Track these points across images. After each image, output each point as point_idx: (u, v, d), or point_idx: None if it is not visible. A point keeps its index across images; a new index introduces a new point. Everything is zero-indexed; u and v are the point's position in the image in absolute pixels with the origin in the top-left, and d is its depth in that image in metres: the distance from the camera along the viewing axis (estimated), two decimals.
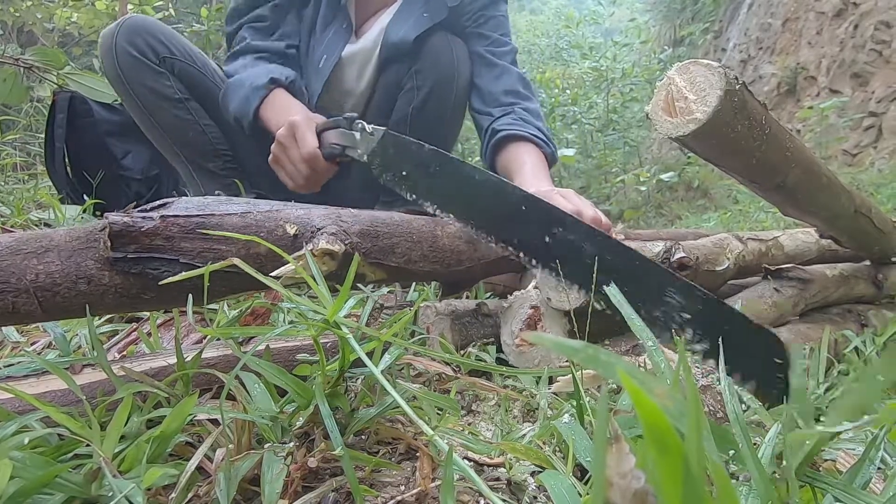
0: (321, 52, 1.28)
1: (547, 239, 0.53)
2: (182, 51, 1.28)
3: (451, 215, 0.60)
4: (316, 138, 0.95)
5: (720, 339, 0.41)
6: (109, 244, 0.43)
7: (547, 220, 0.54)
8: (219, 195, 0.46)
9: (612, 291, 0.34)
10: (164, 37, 1.26)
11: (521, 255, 0.56)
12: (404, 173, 0.66)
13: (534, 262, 0.55)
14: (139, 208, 0.46)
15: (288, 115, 1.01)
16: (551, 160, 1.21)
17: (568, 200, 0.88)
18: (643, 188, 5.05)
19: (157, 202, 0.46)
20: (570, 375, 0.44)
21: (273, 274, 0.45)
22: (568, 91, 6.31)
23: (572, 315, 0.59)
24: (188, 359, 0.45)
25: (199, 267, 0.43)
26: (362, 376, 0.46)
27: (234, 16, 1.33)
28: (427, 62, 1.26)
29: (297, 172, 0.99)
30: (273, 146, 1.03)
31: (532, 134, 1.20)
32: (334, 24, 1.28)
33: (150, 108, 1.28)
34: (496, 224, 0.57)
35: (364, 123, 0.78)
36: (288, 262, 0.45)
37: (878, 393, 0.27)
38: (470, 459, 0.41)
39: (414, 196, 0.64)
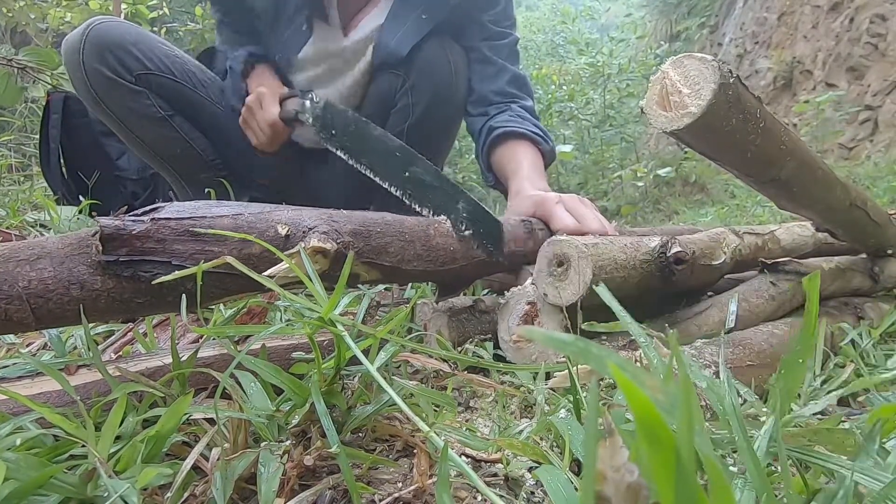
0: (278, 49, 1.26)
1: (406, 174, 0.74)
2: (157, 61, 1.22)
3: (361, 164, 0.80)
4: (278, 106, 1.13)
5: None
6: (101, 248, 0.42)
7: (406, 159, 0.74)
8: (208, 193, 0.47)
9: (601, 291, 0.34)
10: (137, 48, 1.18)
11: (389, 186, 0.75)
12: (334, 132, 0.87)
13: (395, 189, 0.75)
14: (131, 212, 0.45)
15: (258, 85, 1.19)
16: (550, 157, 1.18)
17: (572, 211, 0.84)
18: (640, 184, 5.05)
19: (149, 207, 0.46)
20: (567, 371, 0.44)
21: (267, 273, 0.44)
22: (564, 87, 6.30)
23: (565, 312, 0.59)
24: (184, 358, 0.45)
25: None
26: (359, 374, 0.46)
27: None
28: (422, 77, 1.21)
29: (261, 132, 1.17)
30: (243, 110, 1.19)
31: (530, 131, 1.15)
32: (294, 22, 1.24)
33: (131, 127, 1.23)
34: (383, 167, 0.78)
35: (314, 94, 0.97)
36: (281, 263, 0.45)
37: (801, 377, 0.28)
38: (467, 456, 0.41)
39: (339, 151, 0.84)
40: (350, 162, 0.82)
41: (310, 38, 1.23)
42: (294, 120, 1.09)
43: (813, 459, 0.32)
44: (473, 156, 1.37)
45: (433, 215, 0.70)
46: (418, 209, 0.73)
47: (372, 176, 0.78)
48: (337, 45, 1.25)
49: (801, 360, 0.30)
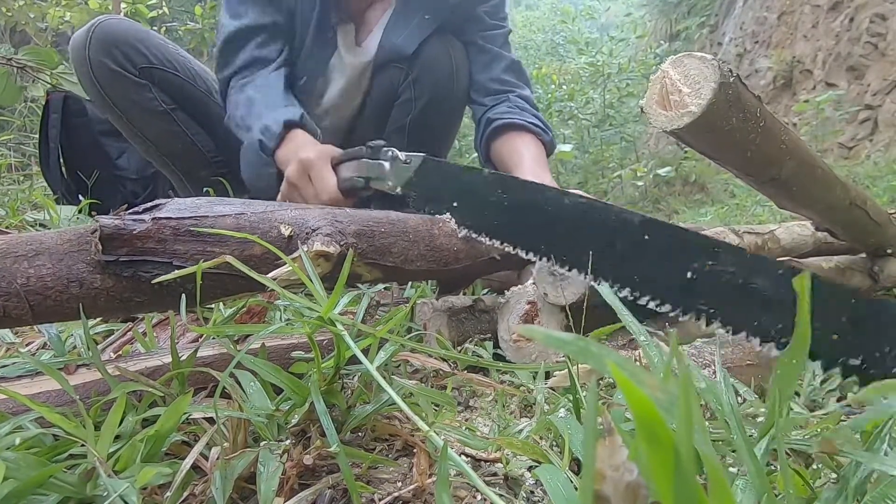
0: (301, 72, 1.20)
1: (681, 275, 0.43)
2: (161, 57, 1.22)
3: (523, 249, 0.54)
4: (334, 175, 0.88)
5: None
6: (101, 247, 0.42)
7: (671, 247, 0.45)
8: (207, 193, 0.46)
9: (604, 289, 0.34)
10: (142, 44, 1.19)
11: (643, 296, 0.47)
12: (455, 205, 0.60)
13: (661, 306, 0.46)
14: (131, 210, 0.45)
15: (298, 152, 0.93)
16: (550, 148, 1.18)
17: None
18: (640, 183, 5.05)
19: (149, 204, 0.46)
20: (566, 370, 0.44)
21: (270, 276, 0.44)
22: (564, 87, 6.29)
23: (568, 310, 0.59)
24: (183, 358, 0.45)
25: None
26: (358, 373, 0.46)
27: (221, 63, 1.15)
28: (424, 71, 1.21)
29: None
30: (283, 187, 0.96)
31: (530, 122, 1.15)
32: (317, 43, 1.19)
33: (134, 121, 1.23)
34: (585, 255, 0.49)
35: (395, 151, 0.72)
36: (283, 264, 0.45)
37: (795, 377, 0.29)
38: (467, 455, 0.41)
39: (469, 230, 0.60)
40: (508, 249, 0.56)
41: (336, 49, 1.20)
42: (363, 190, 0.81)
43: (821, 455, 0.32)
44: (475, 155, 1.36)
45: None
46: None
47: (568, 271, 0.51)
48: (355, 58, 1.23)
49: (794, 361, 0.30)
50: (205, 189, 1.23)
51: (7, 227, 1.24)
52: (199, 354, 0.46)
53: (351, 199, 0.88)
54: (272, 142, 0.98)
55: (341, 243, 0.51)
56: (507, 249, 0.56)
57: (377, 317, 0.78)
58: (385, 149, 0.74)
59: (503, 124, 1.16)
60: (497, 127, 1.17)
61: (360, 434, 0.44)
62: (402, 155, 0.70)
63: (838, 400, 0.58)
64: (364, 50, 1.24)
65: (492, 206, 0.57)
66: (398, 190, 0.71)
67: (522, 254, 0.54)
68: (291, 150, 0.96)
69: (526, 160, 1.09)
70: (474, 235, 0.59)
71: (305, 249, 0.48)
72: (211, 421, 0.41)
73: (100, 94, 1.20)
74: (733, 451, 0.35)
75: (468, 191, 0.60)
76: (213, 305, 0.66)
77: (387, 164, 0.73)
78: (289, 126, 0.99)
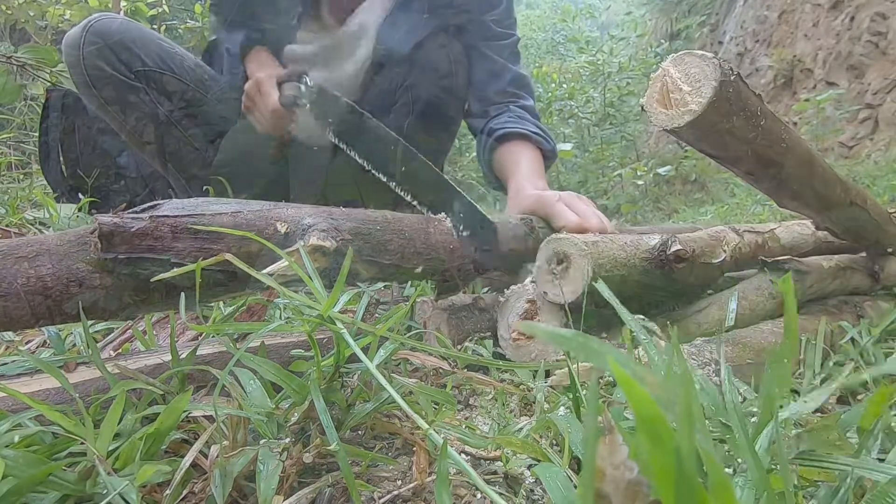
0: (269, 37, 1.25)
1: (403, 168, 0.76)
2: (156, 57, 1.22)
3: (358, 154, 0.83)
4: (276, 92, 1.10)
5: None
6: (100, 245, 0.42)
7: (405, 154, 0.77)
8: (206, 191, 0.47)
9: (602, 287, 0.34)
10: (136, 45, 1.19)
11: (386, 178, 0.78)
12: (329, 120, 0.89)
13: (387, 179, 0.78)
14: (130, 209, 0.45)
15: (258, 70, 1.18)
16: (551, 156, 1.18)
17: (572, 208, 0.84)
18: (640, 182, 5.05)
19: (147, 204, 0.46)
20: (566, 368, 0.44)
21: (266, 271, 0.44)
22: (564, 85, 6.29)
23: (567, 309, 0.59)
24: (183, 356, 0.45)
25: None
26: (358, 371, 0.46)
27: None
28: (423, 74, 1.21)
29: (264, 119, 1.15)
30: (243, 98, 1.19)
31: (530, 131, 1.16)
32: (286, 15, 1.24)
33: (130, 124, 1.24)
34: (380, 159, 0.80)
35: (308, 78, 1.00)
36: (280, 261, 0.44)
37: (787, 377, 0.29)
38: (466, 453, 0.41)
39: (336, 139, 0.87)
40: (347, 151, 0.82)
41: (298, 30, 1.24)
42: (293, 104, 1.08)
43: (812, 459, 0.32)
44: (473, 155, 1.38)
45: (429, 213, 0.71)
46: (415, 205, 0.73)
47: (368, 166, 0.79)
48: (331, 38, 1.25)
49: (785, 360, 0.30)
50: (204, 188, 1.23)
51: (7, 226, 1.24)
52: (198, 352, 0.46)
53: (289, 111, 1.10)
54: (237, 49, 1.23)
55: (337, 239, 0.51)
56: (361, 161, 0.83)
57: (377, 315, 0.78)
58: (303, 76, 1.04)
59: (504, 133, 1.16)
60: (498, 136, 1.17)
61: (359, 432, 0.44)
62: (310, 82, 1.00)
63: (838, 400, 0.58)
64: (344, 30, 1.24)
65: (352, 129, 0.86)
66: (308, 106, 0.96)
67: (361, 161, 0.82)
68: (252, 65, 1.21)
69: (522, 166, 1.09)
70: (340, 145, 0.87)
71: (302, 244, 0.48)
72: (210, 419, 0.41)
73: (95, 97, 1.19)
74: (729, 451, 0.35)
75: (342, 116, 0.87)
76: (212, 304, 0.66)
77: (303, 87, 0.99)
78: (250, 40, 1.22)
